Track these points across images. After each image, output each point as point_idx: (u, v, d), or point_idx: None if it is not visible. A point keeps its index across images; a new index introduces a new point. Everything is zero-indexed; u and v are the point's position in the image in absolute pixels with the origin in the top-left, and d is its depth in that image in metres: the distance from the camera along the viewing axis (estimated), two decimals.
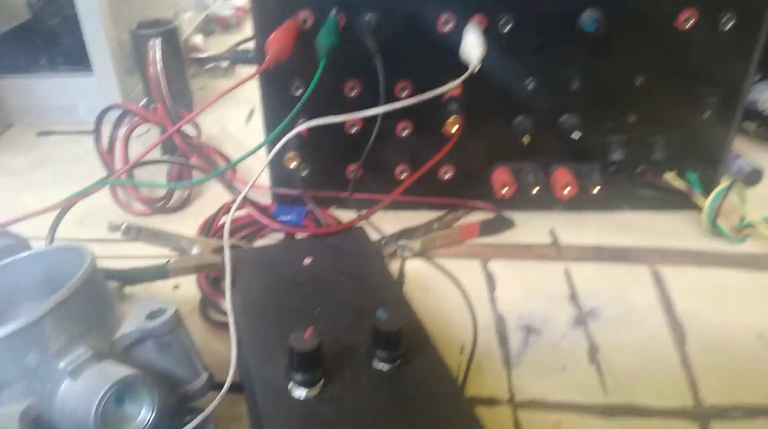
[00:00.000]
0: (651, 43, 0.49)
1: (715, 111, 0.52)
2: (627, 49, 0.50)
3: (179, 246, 0.44)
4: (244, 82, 0.47)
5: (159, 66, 0.51)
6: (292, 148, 0.51)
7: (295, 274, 0.38)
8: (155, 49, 0.53)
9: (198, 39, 0.98)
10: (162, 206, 0.60)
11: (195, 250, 0.43)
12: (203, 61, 0.80)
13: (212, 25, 1.11)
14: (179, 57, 0.75)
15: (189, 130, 0.70)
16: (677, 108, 0.52)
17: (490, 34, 0.49)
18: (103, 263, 0.33)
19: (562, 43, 0.50)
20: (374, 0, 0.49)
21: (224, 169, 0.52)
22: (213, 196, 0.62)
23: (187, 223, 0.55)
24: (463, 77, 0.44)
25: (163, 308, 0.30)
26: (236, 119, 0.78)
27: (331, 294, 0.36)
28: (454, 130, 0.49)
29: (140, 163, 0.56)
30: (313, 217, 0.55)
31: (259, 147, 0.45)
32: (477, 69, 0.45)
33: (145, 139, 0.71)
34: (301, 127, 0.42)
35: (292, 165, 0.51)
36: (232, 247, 0.44)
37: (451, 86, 0.43)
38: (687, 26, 0.48)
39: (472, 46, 0.45)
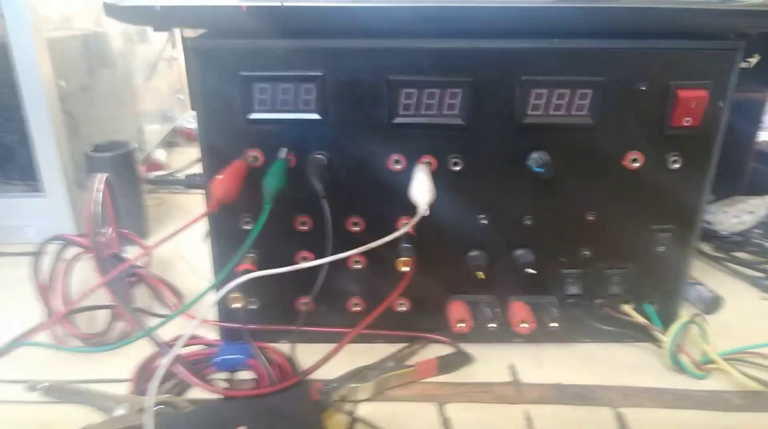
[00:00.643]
0: (600, 182, 0.50)
1: (668, 245, 0.52)
2: (576, 187, 0.50)
3: (104, 405, 0.41)
4: (192, 223, 0.45)
5: (96, 207, 0.50)
6: (236, 288, 0.49)
7: None
8: (96, 187, 0.51)
9: (160, 154, 0.98)
10: (100, 342, 0.56)
11: (120, 411, 0.40)
12: (161, 179, 0.79)
13: (177, 138, 1.11)
14: (135, 178, 0.74)
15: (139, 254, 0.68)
16: (631, 243, 0.52)
17: (440, 172, 0.49)
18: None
19: (512, 181, 0.50)
20: (325, 140, 0.49)
21: (153, 329, 0.49)
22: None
23: (125, 363, 0.52)
24: (412, 222, 0.43)
25: None
26: (192, 236, 0.76)
27: None
28: (405, 270, 0.48)
29: (78, 309, 0.54)
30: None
31: (204, 294, 0.43)
32: (427, 213, 0.44)
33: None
34: (244, 278, 0.40)
35: (236, 305, 0.48)
36: (163, 403, 0.41)
37: (401, 232, 0.42)
38: (635, 165, 0.49)
39: (421, 191, 0.45)
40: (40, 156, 0.71)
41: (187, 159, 0.98)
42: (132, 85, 0.98)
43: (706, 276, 0.66)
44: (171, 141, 1.11)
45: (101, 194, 0.51)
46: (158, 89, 1.14)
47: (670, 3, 0.46)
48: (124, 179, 0.73)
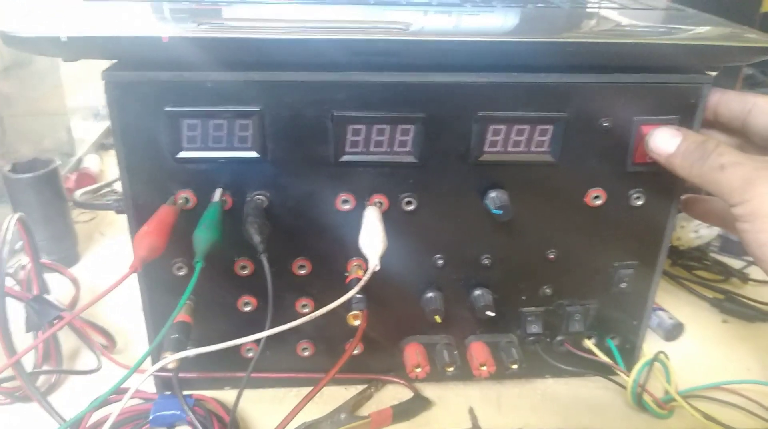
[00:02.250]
0: (561, 219, 0.47)
1: (631, 282, 0.50)
2: (536, 225, 0.47)
3: None
4: (117, 284, 0.40)
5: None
6: (170, 347, 0.44)
7: None
8: (6, 228, 0.46)
9: (92, 161, 0.90)
10: (23, 394, 0.51)
11: None
12: (90, 203, 0.73)
13: (112, 138, 1.03)
14: (60, 199, 0.68)
15: (66, 286, 0.62)
16: (592, 280, 0.50)
17: (392, 212, 0.45)
18: None
19: (469, 220, 0.46)
20: (264, 180, 0.44)
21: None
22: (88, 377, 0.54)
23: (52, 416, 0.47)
24: (362, 281, 0.39)
25: None
26: (122, 261, 0.70)
27: None
28: (356, 323, 0.44)
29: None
30: (200, 410, 0.48)
31: (141, 361, 0.39)
32: (378, 268, 0.40)
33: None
34: (171, 358, 0.35)
35: (172, 366, 0.44)
36: None
37: (351, 294, 0.39)
38: (597, 203, 0.46)
39: (372, 241, 0.41)
40: None
41: None
42: (59, 77, 0.89)
43: (666, 295, 0.64)
44: (105, 143, 1.03)
45: (9, 236, 0.45)
46: (89, 80, 1.05)
47: (634, 37, 0.42)
48: (47, 201, 0.66)
